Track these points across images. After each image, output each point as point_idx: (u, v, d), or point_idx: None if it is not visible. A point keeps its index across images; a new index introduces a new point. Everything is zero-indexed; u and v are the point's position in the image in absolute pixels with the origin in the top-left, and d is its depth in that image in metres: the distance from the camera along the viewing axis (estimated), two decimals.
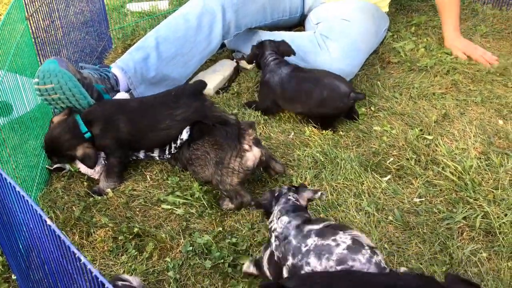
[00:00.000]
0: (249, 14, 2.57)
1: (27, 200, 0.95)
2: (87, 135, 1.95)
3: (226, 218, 1.82)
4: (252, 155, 1.83)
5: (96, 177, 2.01)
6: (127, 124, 1.97)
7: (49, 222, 0.90)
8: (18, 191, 0.97)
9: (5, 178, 0.99)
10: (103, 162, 2.01)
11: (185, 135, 1.94)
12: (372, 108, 2.35)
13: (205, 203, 1.86)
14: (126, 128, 1.97)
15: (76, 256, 0.85)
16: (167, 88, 2.24)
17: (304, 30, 2.87)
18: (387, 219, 1.79)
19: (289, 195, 1.51)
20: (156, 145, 2.02)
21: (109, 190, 1.93)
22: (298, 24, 2.95)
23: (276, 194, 1.55)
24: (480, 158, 2.02)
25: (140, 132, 1.99)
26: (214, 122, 1.92)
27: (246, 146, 1.82)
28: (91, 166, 1.95)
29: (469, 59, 2.65)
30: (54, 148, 1.96)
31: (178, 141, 1.96)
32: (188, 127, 1.95)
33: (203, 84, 2.10)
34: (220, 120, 1.94)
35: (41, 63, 2.17)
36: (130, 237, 1.72)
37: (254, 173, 1.91)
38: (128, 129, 1.97)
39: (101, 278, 0.82)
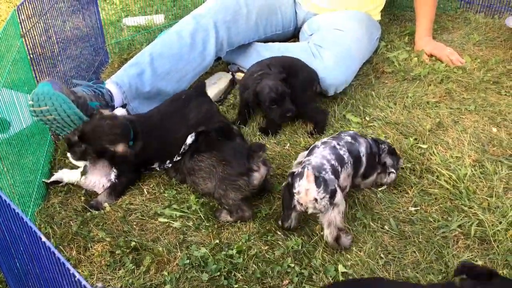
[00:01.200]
0: (241, 31, 2.61)
1: (22, 217, 0.96)
2: (131, 142, 1.98)
3: (223, 231, 1.83)
4: (259, 175, 1.85)
5: (100, 191, 2.01)
6: (156, 142, 2.01)
7: (43, 239, 0.91)
8: (13, 209, 0.98)
9: (0, 196, 1.00)
10: (113, 179, 2.00)
11: (189, 139, 1.95)
12: (367, 118, 2.37)
13: (201, 215, 1.87)
14: (155, 145, 2.01)
15: (71, 272, 0.86)
16: (161, 103, 2.25)
17: (298, 41, 2.90)
18: (382, 228, 1.80)
19: (384, 147, 1.94)
20: (171, 156, 2.03)
21: (106, 204, 1.94)
22: (292, 36, 2.98)
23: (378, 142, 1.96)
24: (475, 166, 2.04)
25: (163, 147, 2.02)
26: (220, 128, 1.99)
27: (254, 167, 1.84)
28: (122, 168, 1.99)
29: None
30: (95, 135, 1.93)
31: (182, 148, 1.97)
32: (193, 133, 1.96)
33: (203, 85, 2.20)
34: (226, 127, 2.02)
35: (37, 80, 2.19)
36: (128, 251, 1.73)
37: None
38: (155, 147, 2.01)
39: None
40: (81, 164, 2.03)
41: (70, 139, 1.95)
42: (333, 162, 1.72)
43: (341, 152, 1.76)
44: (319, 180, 1.63)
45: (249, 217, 1.85)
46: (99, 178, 2.01)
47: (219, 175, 1.85)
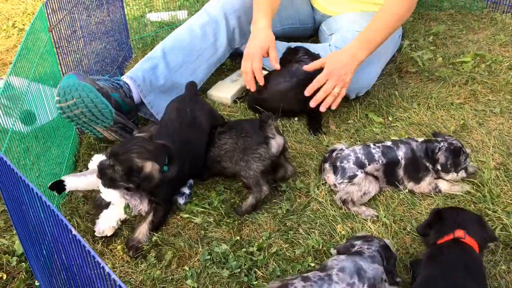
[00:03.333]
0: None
1: (53, 210, 0.98)
2: (165, 168, 1.81)
3: (243, 227, 1.84)
4: (276, 143, 1.92)
5: (143, 213, 1.87)
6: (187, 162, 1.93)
7: (74, 232, 0.92)
8: (45, 201, 1.00)
9: (33, 189, 1.02)
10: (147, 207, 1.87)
11: (187, 190, 1.97)
12: (390, 118, 2.35)
13: (222, 212, 1.88)
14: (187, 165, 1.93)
15: (101, 265, 0.87)
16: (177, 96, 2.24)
17: (318, 40, 2.88)
18: (404, 230, 1.79)
19: (443, 144, 1.94)
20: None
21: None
22: (312, 35, 2.96)
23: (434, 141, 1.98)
24: (499, 169, 2.01)
25: (193, 165, 1.98)
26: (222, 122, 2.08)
27: (269, 134, 1.92)
28: (147, 189, 1.79)
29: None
30: (125, 150, 1.74)
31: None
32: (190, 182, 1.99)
33: (193, 84, 2.17)
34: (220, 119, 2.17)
35: (62, 73, 2.22)
36: (149, 245, 1.75)
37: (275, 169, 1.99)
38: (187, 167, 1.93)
39: (124, 287, 0.84)
40: (112, 196, 1.85)
41: (103, 164, 1.75)
42: (359, 155, 1.92)
43: (373, 151, 1.93)
44: (337, 169, 1.93)
45: (267, 192, 1.91)
46: (145, 205, 1.86)
47: (241, 148, 1.92)
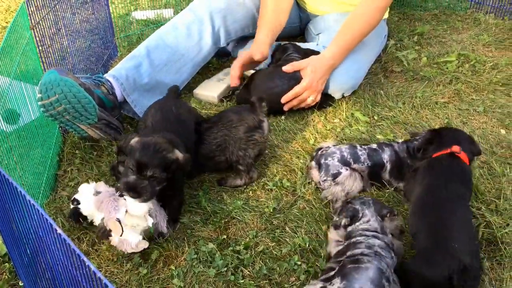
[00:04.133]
0: (238, 19, 2.60)
1: (37, 209, 0.97)
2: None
3: (230, 226, 1.83)
4: (266, 124, 2.01)
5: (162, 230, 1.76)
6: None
7: (59, 231, 0.91)
8: (29, 200, 0.98)
9: (16, 187, 1.01)
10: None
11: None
12: (375, 117, 2.36)
13: (209, 210, 1.88)
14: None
15: (86, 264, 0.86)
16: (162, 95, 2.23)
17: (305, 40, 2.89)
18: None
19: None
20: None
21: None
22: (299, 34, 2.97)
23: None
24: (483, 168, 2.03)
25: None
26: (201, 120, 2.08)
27: (261, 117, 1.98)
28: (187, 168, 1.73)
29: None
30: (153, 152, 1.63)
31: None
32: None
33: (176, 88, 2.23)
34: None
35: (45, 71, 2.19)
36: None
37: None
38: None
39: (110, 286, 0.84)
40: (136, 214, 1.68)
41: (129, 182, 1.61)
42: (345, 154, 1.94)
43: (360, 153, 1.94)
44: (321, 167, 1.93)
45: (258, 177, 2.00)
46: (163, 219, 1.75)
47: (235, 138, 1.94)
